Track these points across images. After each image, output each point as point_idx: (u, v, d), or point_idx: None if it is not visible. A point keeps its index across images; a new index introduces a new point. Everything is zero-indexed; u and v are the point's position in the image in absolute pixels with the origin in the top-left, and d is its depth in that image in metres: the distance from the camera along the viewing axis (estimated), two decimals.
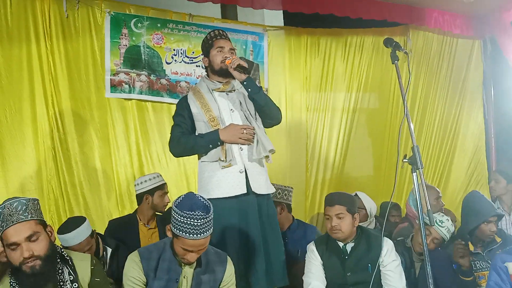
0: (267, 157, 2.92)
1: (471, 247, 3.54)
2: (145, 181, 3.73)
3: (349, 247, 2.98)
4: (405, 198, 4.33)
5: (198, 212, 2.28)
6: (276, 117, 3.05)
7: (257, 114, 3.01)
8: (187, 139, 2.89)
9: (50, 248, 2.14)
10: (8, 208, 2.06)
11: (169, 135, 2.96)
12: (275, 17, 5.55)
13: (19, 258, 2.04)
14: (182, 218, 2.29)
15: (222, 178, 2.84)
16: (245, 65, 2.87)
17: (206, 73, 3.11)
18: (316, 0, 4.62)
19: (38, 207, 2.18)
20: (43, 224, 2.17)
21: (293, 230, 3.82)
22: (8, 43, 3.88)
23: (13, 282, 2.12)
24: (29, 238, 2.06)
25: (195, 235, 2.29)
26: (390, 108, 5.31)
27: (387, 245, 2.96)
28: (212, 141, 2.84)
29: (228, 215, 2.82)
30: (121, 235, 3.50)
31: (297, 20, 5.17)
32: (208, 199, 2.70)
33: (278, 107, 3.08)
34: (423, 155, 2.46)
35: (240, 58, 3.04)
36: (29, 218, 2.08)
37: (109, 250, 3.23)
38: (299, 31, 5.02)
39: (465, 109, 5.52)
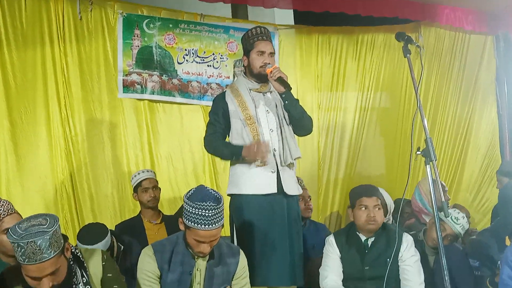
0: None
1: (508, 242, 3.46)
2: (131, 179, 3.84)
3: (370, 241, 2.98)
4: None
5: (210, 203, 2.32)
6: (308, 128, 3.11)
7: (288, 119, 3.05)
8: (216, 144, 2.98)
9: (68, 270, 2.12)
10: (32, 246, 1.92)
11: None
12: (286, 16, 5.57)
13: (37, 286, 2.01)
14: (193, 209, 2.32)
15: (254, 176, 2.89)
16: (286, 78, 2.90)
17: (244, 71, 3.13)
18: None
19: (59, 232, 2.06)
20: (63, 249, 2.07)
21: (307, 227, 3.82)
22: (23, 46, 3.94)
23: None
24: (51, 274, 2.01)
25: (207, 226, 2.32)
26: (402, 106, 5.29)
27: (407, 240, 2.96)
28: (235, 154, 2.90)
29: (257, 212, 2.87)
30: (129, 235, 3.53)
31: (307, 19, 5.16)
32: (238, 194, 2.73)
33: (311, 118, 3.12)
34: (436, 152, 2.45)
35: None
36: (52, 256, 1.98)
37: (121, 248, 3.25)
38: (310, 30, 5.03)
39: (478, 105, 5.48)
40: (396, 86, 5.28)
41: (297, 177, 3.94)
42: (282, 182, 2.90)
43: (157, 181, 3.84)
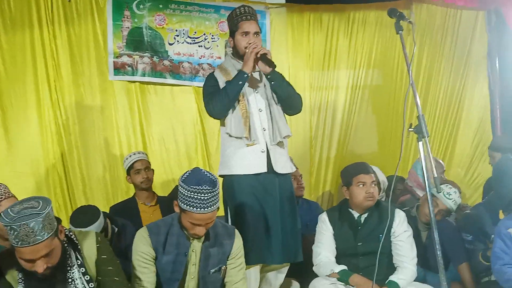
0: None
1: (501, 215, 3.47)
2: (123, 162, 3.84)
3: (362, 217, 3.01)
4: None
5: (205, 187, 2.31)
6: (297, 107, 3.09)
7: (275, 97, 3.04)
8: (219, 92, 2.88)
9: (62, 253, 2.12)
10: (25, 229, 1.92)
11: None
12: None
13: (31, 268, 2.02)
14: (189, 192, 2.32)
15: (244, 156, 2.89)
16: (270, 57, 2.85)
17: (231, 51, 3.09)
18: None
19: (52, 214, 2.06)
20: (56, 231, 2.07)
21: (300, 205, 3.84)
22: (12, 29, 3.93)
23: (21, 280, 2.10)
24: (45, 256, 2.02)
25: (202, 209, 2.32)
26: (394, 84, 5.27)
27: (399, 216, 3.00)
28: (239, 77, 2.83)
29: (248, 192, 2.87)
30: (123, 217, 3.51)
31: None
32: (229, 175, 2.72)
33: (300, 97, 3.10)
34: (428, 128, 2.45)
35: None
36: (45, 238, 1.98)
37: (116, 230, 3.27)
38: (301, 8, 4.97)
39: (470, 81, 5.46)
40: (388, 63, 5.25)
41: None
42: (272, 161, 2.90)
43: (149, 163, 3.85)
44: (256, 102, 2.95)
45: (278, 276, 3.11)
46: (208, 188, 2.32)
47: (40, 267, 2.00)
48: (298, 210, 3.70)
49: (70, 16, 4.09)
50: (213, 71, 3.08)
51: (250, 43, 2.86)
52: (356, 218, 3.02)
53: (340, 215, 3.06)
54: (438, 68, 5.37)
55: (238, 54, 2.99)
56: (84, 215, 2.99)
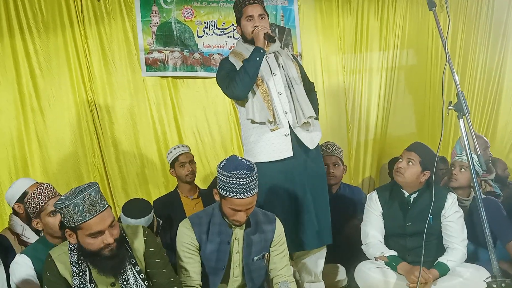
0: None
1: None
2: (167, 156, 3.86)
3: (412, 197, 2.94)
4: (451, 150, 4.22)
5: (243, 171, 2.31)
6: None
7: (300, 77, 2.98)
8: (238, 72, 2.81)
9: (120, 230, 2.20)
10: (89, 198, 2.03)
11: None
12: None
13: (100, 244, 2.08)
14: (228, 178, 2.32)
15: (268, 142, 2.84)
16: (271, 32, 2.82)
17: (241, 39, 3.05)
18: None
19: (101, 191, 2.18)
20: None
21: (342, 189, 3.79)
22: (45, 32, 3.99)
23: (75, 273, 2.15)
24: (110, 225, 2.10)
25: (241, 194, 2.32)
26: (429, 62, 5.17)
27: (451, 197, 2.92)
28: (256, 53, 2.77)
29: (276, 178, 2.84)
30: (167, 211, 3.57)
31: None
32: (255, 163, 2.71)
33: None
34: (468, 104, 2.37)
35: (271, 24, 2.96)
36: (106, 205, 2.10)
37: (161, 223, 3.30)
38: None
39: (509, 53, 5.29)
40: (422, 42, 5.15)
41: (328, 141, 3.90)
42: (296, 144, 2.85)
43: (193, 156, 3.86)
44: (275, 85, 2.90)
45: (317, 262, 3.06)
46: (246, 173, 2.31)
47: (109, 237, 2.07)
48: (338, 195, 3.68)
49: (100, 15, 4.13)
50: (227, 56, 3.03)
51: (256, 26, 2.83)
52: (405, 197, 2.95)
53: (391, 194, 3.00)
54: (474, 42, 5.23)
55: (246, 40, 2.95)
56: (136, 207, 3.05)
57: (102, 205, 2.07)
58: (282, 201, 2.84)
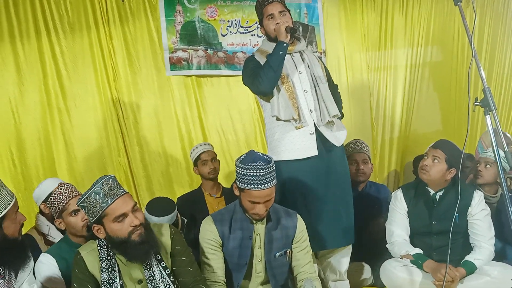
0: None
1: None
2: (190, 154, 3.90)
3: (438, 195, 2.90)
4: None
5: (260, 163, 2.34)
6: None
7: (326, 76, 2.97)
8: (262, 68, 2.80)
9: (144, 217, 2.24)
10: (107, 184, 2.12)
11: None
12: None
13: (127, 228, 2.11)
14: (245, 171, 2.35)
15: (293, 140, 2.84)
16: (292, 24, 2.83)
17: (268, 39, 3.04)
18: None
19: None
20: None
21: (368, 188, 3.77)
22: (71, 34, 4.05)
23: (105, 269, 2.17)
24: (133, 208, 2.15)
25: (259, 186, 2.35)
26: (455, 58, 5.10)
27: (478, 195, 2.88)
28: (279, 47, 2.76)
29: (300, 177, 2.83)
30: (190, 208, 3.59)
31: None
32: (278, 161, 2.70)
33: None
34: (494, 100, 2.32)
35: (295, 22, 2.94)
36: (125, 191, 2.18)
37: (185, 221, 3.32)
38: None
39: None
40: (447, 38, 5.07)
41: (356, 139, 3.88)
42: (321, 143, 2.83)
43: (215, 153, 3.88)
44: (301, 83, 2.88)
45: (341, 261, 3.05)
46: (263, 164, 2.33)
47: (135, 219, 2.12)
48: (363, 193, 3.65)
49: (124, 15, 4.18)
50: (253, 54, 3.03)
51: (277, 22, 2.82)
52: (431, 195, 2.91)
53: (416, 192, 2.96)
54: (502, 38, 5.13)
55: (270, 39, 2.94)
56: (160, 205, 3.07)
57: (121, 190, 2.16)
58: (306, 199, 2.83)
